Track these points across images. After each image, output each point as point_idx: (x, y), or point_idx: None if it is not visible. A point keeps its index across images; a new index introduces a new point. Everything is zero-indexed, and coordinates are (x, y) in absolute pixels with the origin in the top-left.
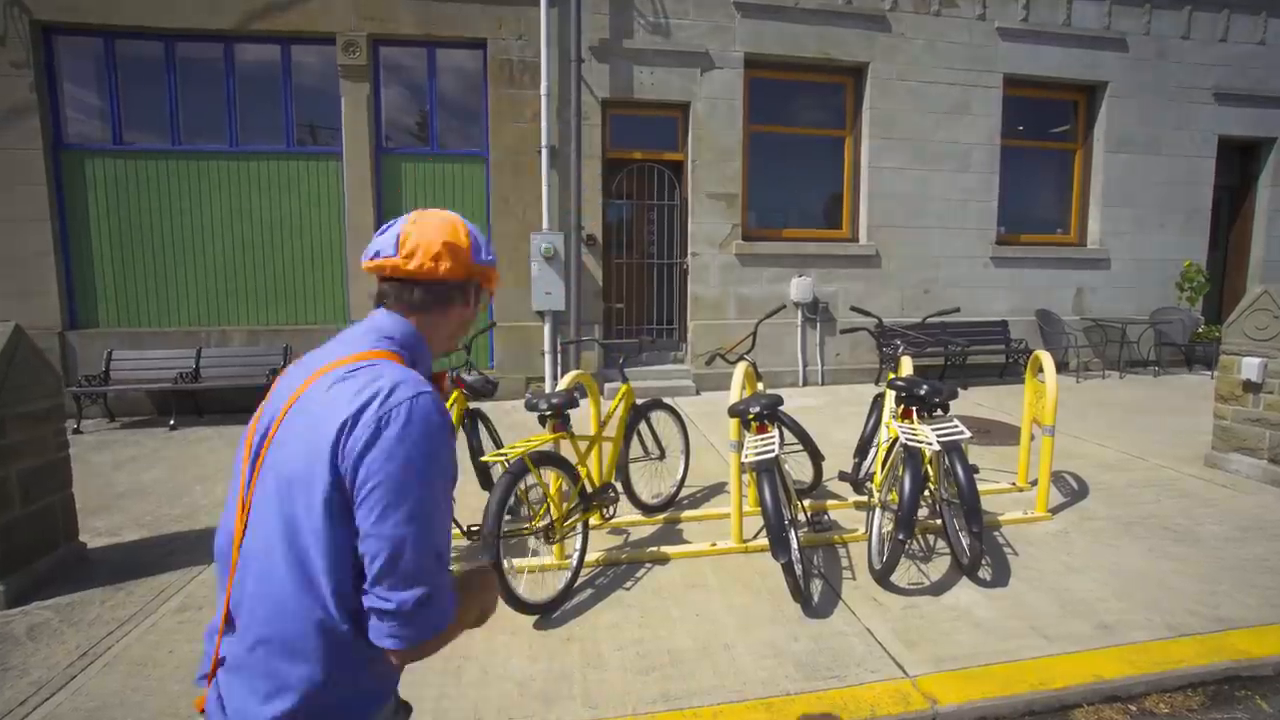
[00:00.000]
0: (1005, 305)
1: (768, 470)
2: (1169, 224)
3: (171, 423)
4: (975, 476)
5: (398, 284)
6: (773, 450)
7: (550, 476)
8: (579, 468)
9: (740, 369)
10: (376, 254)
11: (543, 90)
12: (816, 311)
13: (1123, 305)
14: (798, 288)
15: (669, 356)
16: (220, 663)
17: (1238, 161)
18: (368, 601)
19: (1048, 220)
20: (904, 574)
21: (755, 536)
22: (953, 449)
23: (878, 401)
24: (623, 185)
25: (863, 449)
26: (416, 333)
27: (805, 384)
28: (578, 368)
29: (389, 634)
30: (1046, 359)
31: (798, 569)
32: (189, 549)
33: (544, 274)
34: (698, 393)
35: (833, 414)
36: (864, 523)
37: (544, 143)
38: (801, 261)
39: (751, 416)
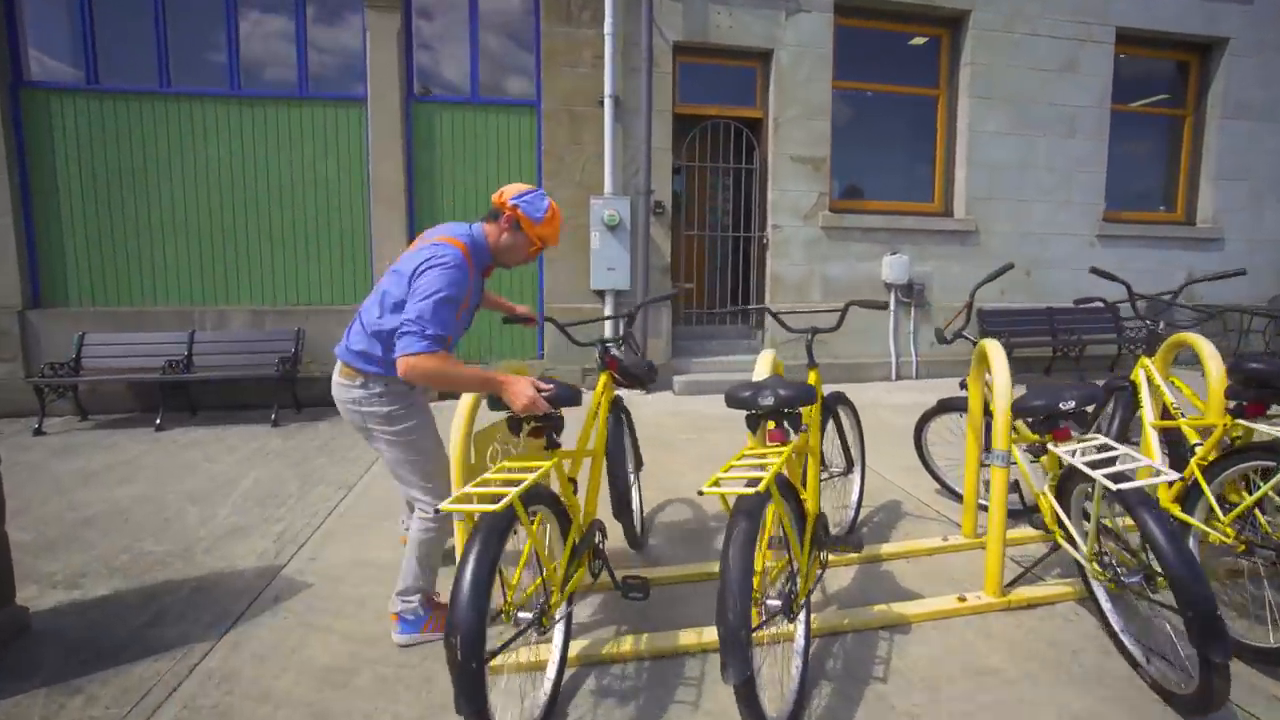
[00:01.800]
0: (1111, 289)
1: (1147, 503)
2: None
3: (158, 421)
4: None
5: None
6: (1152, 469)
7: (785, 511)
8: (804, 498)
9: (998, 352)
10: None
11: (606, 29)
12: (911, 294)
13: (1237, 292)
14: (891, 267)
15: (742, 345)
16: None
17: None
18: (400, 323)
19: (1149, 195)
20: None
21: (1013, 584)
22: None
23: (1118, 397)
24: (694, 145)
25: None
26: (484, 239)
27: (898, 377)
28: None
29: (399, 340)
30: None
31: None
32: (182, 611)
33: (606, 246)
34: None
35: None
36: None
37: (607, 92)
38: (891, 237)
39: (1060, 414)
